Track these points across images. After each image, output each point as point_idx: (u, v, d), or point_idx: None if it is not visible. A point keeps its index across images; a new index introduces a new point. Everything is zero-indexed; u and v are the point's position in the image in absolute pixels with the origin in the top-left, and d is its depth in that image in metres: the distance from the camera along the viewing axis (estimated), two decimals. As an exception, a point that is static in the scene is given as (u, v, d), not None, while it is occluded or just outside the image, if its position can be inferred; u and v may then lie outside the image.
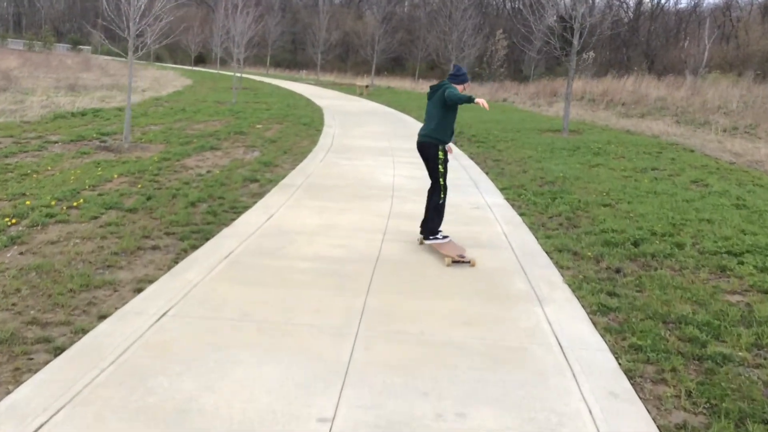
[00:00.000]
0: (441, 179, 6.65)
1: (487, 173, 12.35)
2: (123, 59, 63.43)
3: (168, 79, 43.39)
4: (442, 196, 6.70)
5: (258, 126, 17.94)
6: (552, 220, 8.66)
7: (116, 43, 19.93)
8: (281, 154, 13.18)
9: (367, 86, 40.23)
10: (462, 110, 28.14)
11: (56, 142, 13.04)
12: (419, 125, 21.30)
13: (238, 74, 41.14)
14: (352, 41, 71.24)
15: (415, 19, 77.31)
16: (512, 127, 21.31)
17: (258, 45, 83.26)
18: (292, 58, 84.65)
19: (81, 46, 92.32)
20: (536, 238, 7.62)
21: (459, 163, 13.45)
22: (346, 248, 6.69)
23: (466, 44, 38.10)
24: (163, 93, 30.29)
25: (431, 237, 6.72)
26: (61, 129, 15.04)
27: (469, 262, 6.26)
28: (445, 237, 6.73)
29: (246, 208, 8.24)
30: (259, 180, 10.17)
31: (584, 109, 29.02)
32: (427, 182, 7.03)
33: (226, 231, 7.07)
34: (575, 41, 19.36)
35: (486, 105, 5.96)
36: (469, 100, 5.94)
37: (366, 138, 16.96)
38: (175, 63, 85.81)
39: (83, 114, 18.40)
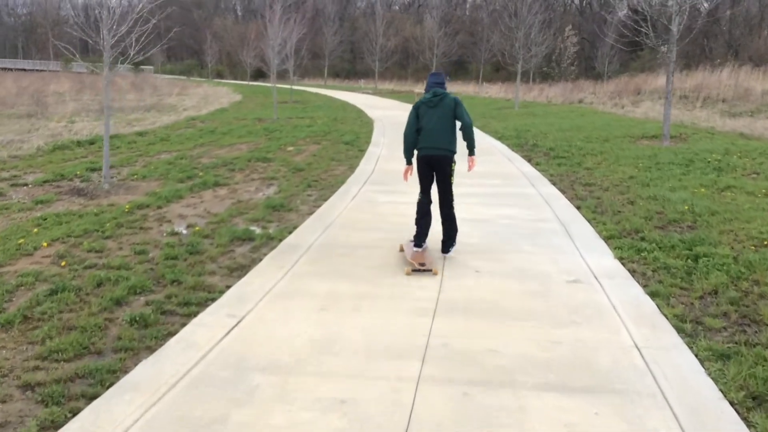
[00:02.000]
0: (452, 197, 6.54)
1: (579, 207, 8.96)
2: (182, 78, 62.10)
3: (218, 96, 41.37)
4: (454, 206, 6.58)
5: (289, 149, 14.99)
6: (708, 307, 5.24)
7: (174, 63, 17.93)
8: (303, 190, 10.13)
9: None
10: (533, 116, 24.72)
11: (25, 185, 10.40)
12: (485, 138, 17.96)
13: (288, 86, 38.93)
14: (411, 47, 68.24)
15: (477, 20, 73.66)
16: (597, 135, 17.71)
17: (315, 56, 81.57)
18: (351, 67, 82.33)
19: (143, 67, 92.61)
20: (700, 361, 4.24)
21: (537, 192, 10.10)
22: (347, 417, 3.50)
23: (534, 42, 34.43)
24: (204, 112, 27.90)
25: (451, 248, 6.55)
26: (49, 164, 12.45)
27: (430, 270, 5.99)
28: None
29: (208, 301, 5.18)
30: (255, 239, 7.12)
31: (677, 109, 24.99)
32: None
33: (134, 375, 3.98)
34: (674, 27, 15.66)
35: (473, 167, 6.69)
36: (473, 149, 6.64)
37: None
38: (235, 78, 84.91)
39: (92, 142, 15.88)
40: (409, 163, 6.57)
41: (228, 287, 5.50)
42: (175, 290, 5.37)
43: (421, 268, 5.96)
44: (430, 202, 6.57)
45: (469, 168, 6.60)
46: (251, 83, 68.31)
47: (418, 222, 6.53)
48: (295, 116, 25.08)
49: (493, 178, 11.45)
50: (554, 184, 10.92)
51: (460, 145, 6.42)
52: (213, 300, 5.19)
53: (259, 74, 79.77)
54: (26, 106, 27.66)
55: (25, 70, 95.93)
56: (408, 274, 5.92)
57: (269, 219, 8.09)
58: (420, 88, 43.58)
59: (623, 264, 6.34)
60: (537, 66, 40.41)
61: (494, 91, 45.68)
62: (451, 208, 6.49)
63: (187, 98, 38.67)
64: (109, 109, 10.44)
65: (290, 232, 7.38)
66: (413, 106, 6.41)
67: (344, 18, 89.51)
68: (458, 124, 6.32)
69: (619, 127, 19.81)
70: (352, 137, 17.62)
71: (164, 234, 7.23)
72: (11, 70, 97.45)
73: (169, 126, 21.01)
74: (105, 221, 7.66)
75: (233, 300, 5.19)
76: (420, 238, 6.49)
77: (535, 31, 33.86)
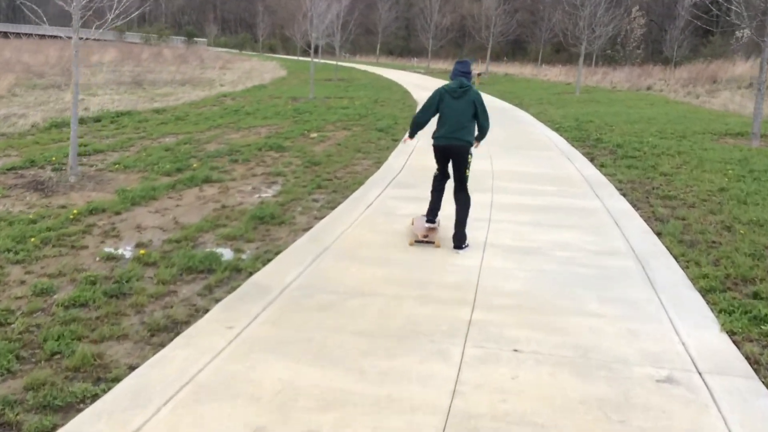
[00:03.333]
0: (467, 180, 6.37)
1: (660, 234, 6.82)
2: (233, 52, 60.87)
3: (263, 71, 39.74)
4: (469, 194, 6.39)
5: (313, 135, 13.08)
6: None
7: (229, 35, 16.93)
8: (310, 192, 8.23)
9: (479, 74, 34.62)
10: (596, 104, 22.17)
11: (-14, 173, 8.76)
12: (540, 128, 15.70)
13: (331, 61, 37.00)
14: (468, 25, 65.42)
15: (538, -2, 70.26)
16: (672, 129, 15.27)
17: (368, 32, 79.31)
18: (405, 45, 79.83)
19: (196, 39, 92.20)
20: None
21: (603, 205, 7.96)
22: None
23: (600, 22, 31.58)
24: (240, 88, 26.23)
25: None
26: (32, 146, 10.84)
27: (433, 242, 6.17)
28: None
29: (82, 402, 3.31)
30: (215, 270, 5.23)
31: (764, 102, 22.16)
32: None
33: None
34: (774, 4, 13.12)
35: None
36: (482, 137, 6.51)
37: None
38: (288, 53, 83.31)
39: (97, 120, 14.27)
40: (411, 136, 6.73)
41: (132, 368, 3.63)
42: (42, 375, 3.50)
43: (424, 240, 6.17)
44: (446, 177, 6.56)
45: (475, 146, 6.51)
46: (300, 59, 66.65)
47: (431, 195, 6.58)
48: (333, 96, 23.16)
49: (547, 182, 9.33)
50: (624, 194, 8.74)
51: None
52: (92, 398, 3.32)
53: (315, 50, 78.04)
54: (56, 76, 26.45)
55: (82, 38, 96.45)
56: (411, 244, 6.14)
57: (250, 237, 6.21)
58: (473, 69, 41.16)
59: (737, 343, 4.24)
60: (601, 48, 37.52)
61: (553, 74, 42.87)
62: (465, 190, 6.39)
63: (229, 72, 37.16)
64: (77, 86, 8.68)
65: (268, 261, 5.48)
66: (436, 91, 6.30)
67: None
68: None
69: (697, 120, 17.27)
70: (389, 123, 15.61)
71: (96, 258, 5.40)
72: (69, 37, 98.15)
73: (194, 103, 19.34)
74: (34, 233, 5.89)
75: (122, 401, 3.30)
76: (432, 213, 6.56)
77: (602, 11, 31.02)
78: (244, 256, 5.62)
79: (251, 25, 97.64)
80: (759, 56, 32.36)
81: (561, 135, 14.55)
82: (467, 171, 6.39)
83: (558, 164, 10.98)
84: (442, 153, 6.38)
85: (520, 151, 12.14)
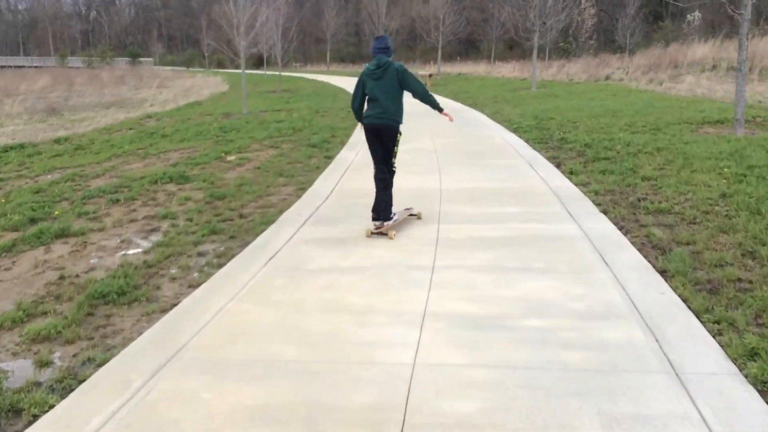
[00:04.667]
0: (394, 158, 6.45)
1: (664, 272, 4.95)
2: (180, 69, 58.42)
3: (204, 87, 37.53)
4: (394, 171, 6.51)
5: (230, 158, 11.03)
6: None
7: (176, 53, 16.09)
8: (199, 240, 6.22)
9: (431, 75, 32.91)
10: (555, 98, 20.39)
11: None
12: (497, 130, 13.85)
13: (292, 73, 34.72)
14: (417, 26, 63.84)
15: (487, -5, 69.03)
16: (643, 121, 13.56)
17: (318, 40, 77.29)
18: (356, 51, 77.96)
19: (141, 59, 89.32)
20: None
21: (581, 231, 6.09)
22: None
23: (550, 13, 30.03)
24: (170, 107, 24.03)
25: (392, 218, 6.37)
26: None
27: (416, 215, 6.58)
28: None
29: None
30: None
31: (727, 83, 20.72)
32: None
33: None
34: (749, -26, 11.47)
35: (452, 118, 6.65)
36: (438, 107, 6.40)
37: (402, 168, 9.69)
38: (237, 68, 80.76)
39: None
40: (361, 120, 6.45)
41: None
42: None
43: (376, 231, 6.18)
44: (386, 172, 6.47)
45: (450, 119, 6.68)
46: (247, 72, 64.28)
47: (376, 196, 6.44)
48: (271, 108, 21.11)
49: (509, 201, 7.43)
50: (605, 211, 6.88)
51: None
52: None
53: (261, 62, 75.86)
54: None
55: (24, 67, 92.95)
56: (368, 236, 6.15)
57: (72, 334, 4.16)
58: (425, 70, 39.38)
59: None
60: (553, 41, 36.08)
61: (507, 70, 41.36)
62: (388, 176, 6.42)
63: (166, 91, 34.84)
64: None
65: (80, 384, 3.44)
66: (359, 77, 6.31)
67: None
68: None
69: (667, 109, 15.62)
70: (326, 136, 13.63)
71: None
72: (10, 67, 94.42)
73: (108, 128, 17.14)
74: None
75: None
76: (381, 213, 6.36)
77: (551, 1, 29.49)
78: (43, 377, 3.58)
79: (197, 41, 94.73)
80: (716, 38, 31.15)
81: (520, 137, 12.73)
82: (395, 149, 6.38)
83: (520, 174, 9.11)
84: (371, 132, 6.30)
85: (475, 161, 10.25)
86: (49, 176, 10.04)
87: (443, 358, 3.66)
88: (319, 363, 3.63)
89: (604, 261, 5.27)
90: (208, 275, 5.24)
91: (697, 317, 4.12)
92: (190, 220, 7.03)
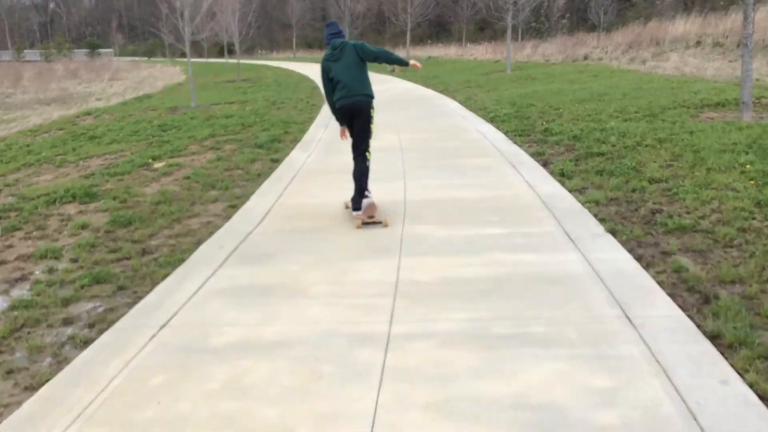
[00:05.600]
0: (370, 138, 6.26)
1: (718, 338, 3.42)
2: (142, 60, 56.12)
3: (158, 78, 35.43)
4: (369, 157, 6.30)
5: (156, 166, 9.32)
6: None
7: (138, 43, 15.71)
8: (74, 296, 4.58)
9: (399, 60, 31.05)
10: (533, 81, 18.73)
11: None
12: (471, 120, 12.31)
13: (247, 61, 32.58)
14: (385, 9, 61.98)
15: (456, -25, 67.27)
16: (635, 106, 12.05)
17: (285, 27, 74.92)
18: (323, 36, 75.65)
19: (101, 50, 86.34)
20: None
21: (587, 264, 4.53)
22: None
23: (522, -8, 28.40)
24: (115, 101, 22.11)
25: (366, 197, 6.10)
26: None
27: (381, 222, 5.83)
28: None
29: None
30: None
31: (716, 60, 19.34)
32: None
33: None
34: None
35: (419, 66, 6.62)
36: (405, 62, 6.37)
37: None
38: (200, 56, 78.36)
39: None
40: (342, 124, 6.30)
41: None
42: None
43: (370, 221, 5.86)
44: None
45: (418, 67, 6.60)
46: (210, 60, 62.22)
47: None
48: (224, 101, 19.32)
49: (488, 217, 5.86)
50: (613, 231, 5.33)
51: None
52: None
53: (230, 50, 73.50)
54: None
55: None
56: (358, 227, 5.82)
57: None
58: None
59: None
60: (525, 21, 34.57)
61: (479, 52, 39.75)
62: (363, 156, 6.22)
63: (117, 84, 32.76)
64: None
65: None
66: (321, 68, 6.15)
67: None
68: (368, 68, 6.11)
69: (657, 91, 14.14)
70: (278, 133, 11.96)
71: None
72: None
73: (35, 129, 15.27)
74: None
75: None
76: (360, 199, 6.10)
77: (524, -22, 27.85)
78: None
79: (159, 30, 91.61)
80: (691, 14, 29.79)
81: (498, 128, 11.17)
82: (370, 129, 6.21)
83: (501, 179, 7.54)
84: (346, 114, 6.16)
85: (447, 161, 8.67)
86: (-67, 196, 8.27)
87: None
88: None
89: (629, 319, 3.72)
90: (62, 364, 3.61)
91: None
92: (75, 260, 5.35)
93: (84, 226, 6.31)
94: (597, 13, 44.46)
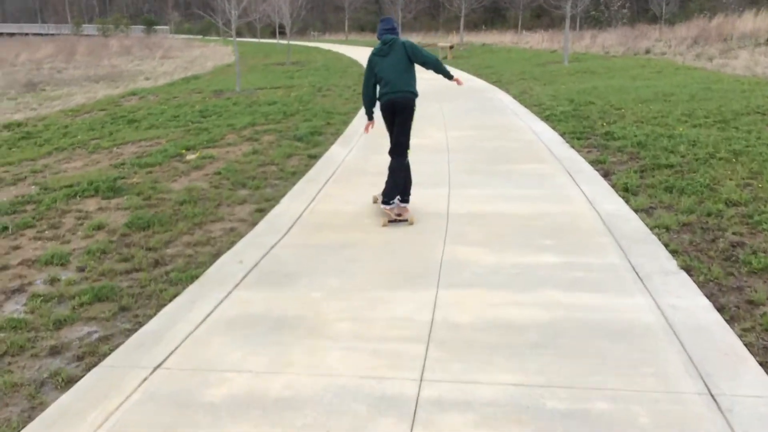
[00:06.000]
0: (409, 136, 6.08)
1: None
2: (197, 38, 56.04)
3: (209, 59, 35.23)
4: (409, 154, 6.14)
5: (189, 158, 8.85)
6: None
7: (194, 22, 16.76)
8: (62, 323, 4.09)
9: (451, 47, 30.29)
10: (591, 75, 17.64)
11: None
12: (525, 117, 11.54)
13: (300, 42, 32.11)
14: (441, -7, 60.81)
15: (514, -40, 65.55)
16: (705, 109, 11.09)
17: (338, 9, 74.32)
18: (376, 20, 74.71)
19: (157, 27, 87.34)
20: None
21: (659, 313, 3.81)
22: None
23: (584, -21, 27.15)
24: (163, 81, 21.87)
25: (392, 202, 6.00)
26: None
27: (407, 220, 5.78)
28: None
29: None
30: None
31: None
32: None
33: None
34: None
35: (461, 81, 6.40)
36: (449, 75, 6.20)
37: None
38: (255, 36, 78.48)
39: None
40: (370, 118, 6.25)
41: None
42: None
43: (397, 218, 5.80)
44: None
45: (459, 83, 6.40)
46: (263, 41, 62.06)
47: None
48: (270, 85, 18.84)
49: (541, 240, 5.17)
50: (687, 266, 4.59)
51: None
52: None
53: (281, 31, 73.36)
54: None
55: (41, 34, 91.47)
56: (384, 225, 5.74)
57: None
58: (445, 41, 36.71)
59: None
60: (584, 9, 33.23)
61: (535, 40, 38.46)
62: (404, 155, 6.08)
63: (168, 62, 32.65)
64: None
65: None
66: (368, 62, 6.06)
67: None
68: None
69: (729, 93, 13.09)
70: (319, 123, 11.39)
71: None
72: (26, 35, 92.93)
73: (78, 108, 15.02)
74: None
75: None
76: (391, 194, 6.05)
77: (586, -36, 26.61)
78: None
79: (214, 9, 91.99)
80: (761, 8, 28.09)
81: (554, 128, 10.39)
82: (410, 126, 6.02)
83: (557, 190, 6.81)
84: (389, 110, 6.02)
85: (497, 166, 7.96)
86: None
87: None
88: None
89: (713, 398, 3.03)
90: (35, 411, 3.09)
91: None
92: (82, 269, 4.87)
93: (100, 227, 5.84)
94: (659, 4, 42.66)
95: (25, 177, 8.00)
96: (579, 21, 40.68)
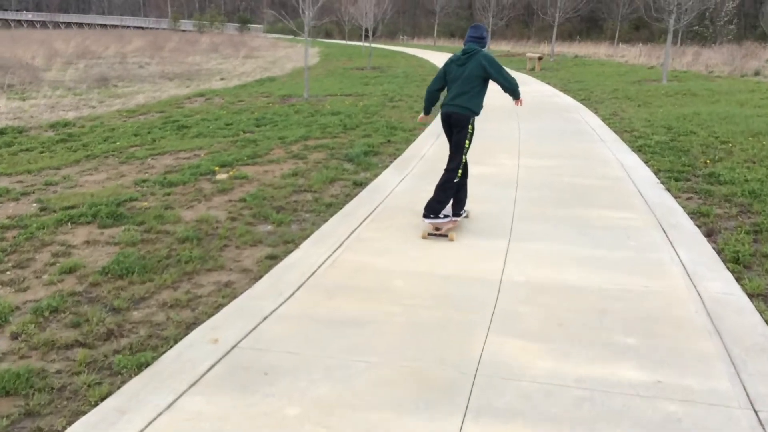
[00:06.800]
0: (465, 155, 5.86)
1: None
2: (287, 37, 56.09)
3: (293, 59, 34.75)
4: (461, 173, 5.85)
5: (220, 177, 7.83)
6: None
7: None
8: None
9: (540, 57, 28.54)
10: (693, 98, 15.52)
11: None
12: (613, 147, 10.02)
13: (387, 46, 30.96)
14: (533, 1, 58.79)
15: (615, -32, 62.65)
16: (835, 150, 9.26)
17: (429, 13, 73.20)
18: (467, 26, 73.21)
19: (251, 25, 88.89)
20: None
21: None
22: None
23: (692, -10, 24.88)
24: (237, 82, 21.29)
25: (441, 216, 5.79)
26: None
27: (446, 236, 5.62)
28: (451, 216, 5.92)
29: None
30: None
31: None
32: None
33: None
34: None
35: (522, 104, 6.17)
36: (517, 94, 5.89)
37: (466, 229, 6.10)
38: (344, 38, 78.52)
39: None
40: (426, 114, 6.21)
41: None
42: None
43: (436, 233, 5.68)
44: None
45: (518, 104, 6.10)
46: (349, 43, 61.64)
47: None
48: (340, 92, 17.84)
49: (618, 337, 3.78)
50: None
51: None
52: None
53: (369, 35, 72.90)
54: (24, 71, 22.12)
55: (141, 28, 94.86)
56: (424, 237, 5.66)
57: None
58: (534, 52, 34.90)
59: None
60: (688, 23, 30.82)
61: (632, 54, 36.10)
62: (454, 171, 5.84)
63: (250, 62, 32.33)
64: None
65: None
66: (444, 63, 5.96)
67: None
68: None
69: None
70: (378, 141, 10.23)
71: None
72: (128, 27, 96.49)
73: (137, 108, 14.40)
74: None
75: None
76: (457, 207, 6.01)
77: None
78: None
79: (294, 9, 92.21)
80: None
81: (647, 162, 8.84)
82: (466, 143, 5.82)
83: (645, 254, 5.35)
84: (445, 121, 5.93)
85: (571, 211, 6.55)
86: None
87: None
88: None
89: None
90: None
91: None
92: (16, 336, 3.84)
93: (72, 270, 4.82)
94: (771, 20, 39.40)
95: (34, 191, 7.17)
96: (681, 35, 38.04)
